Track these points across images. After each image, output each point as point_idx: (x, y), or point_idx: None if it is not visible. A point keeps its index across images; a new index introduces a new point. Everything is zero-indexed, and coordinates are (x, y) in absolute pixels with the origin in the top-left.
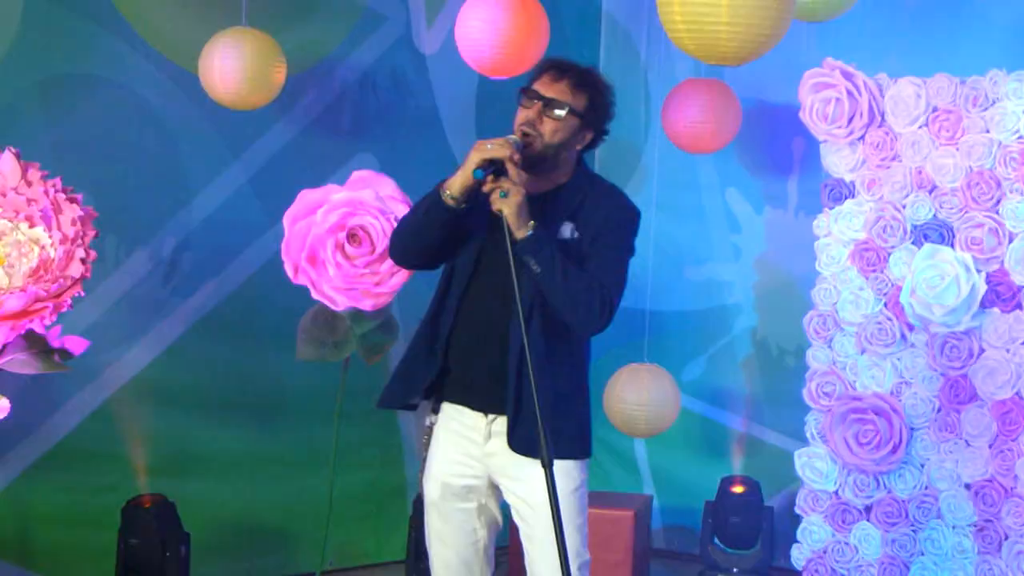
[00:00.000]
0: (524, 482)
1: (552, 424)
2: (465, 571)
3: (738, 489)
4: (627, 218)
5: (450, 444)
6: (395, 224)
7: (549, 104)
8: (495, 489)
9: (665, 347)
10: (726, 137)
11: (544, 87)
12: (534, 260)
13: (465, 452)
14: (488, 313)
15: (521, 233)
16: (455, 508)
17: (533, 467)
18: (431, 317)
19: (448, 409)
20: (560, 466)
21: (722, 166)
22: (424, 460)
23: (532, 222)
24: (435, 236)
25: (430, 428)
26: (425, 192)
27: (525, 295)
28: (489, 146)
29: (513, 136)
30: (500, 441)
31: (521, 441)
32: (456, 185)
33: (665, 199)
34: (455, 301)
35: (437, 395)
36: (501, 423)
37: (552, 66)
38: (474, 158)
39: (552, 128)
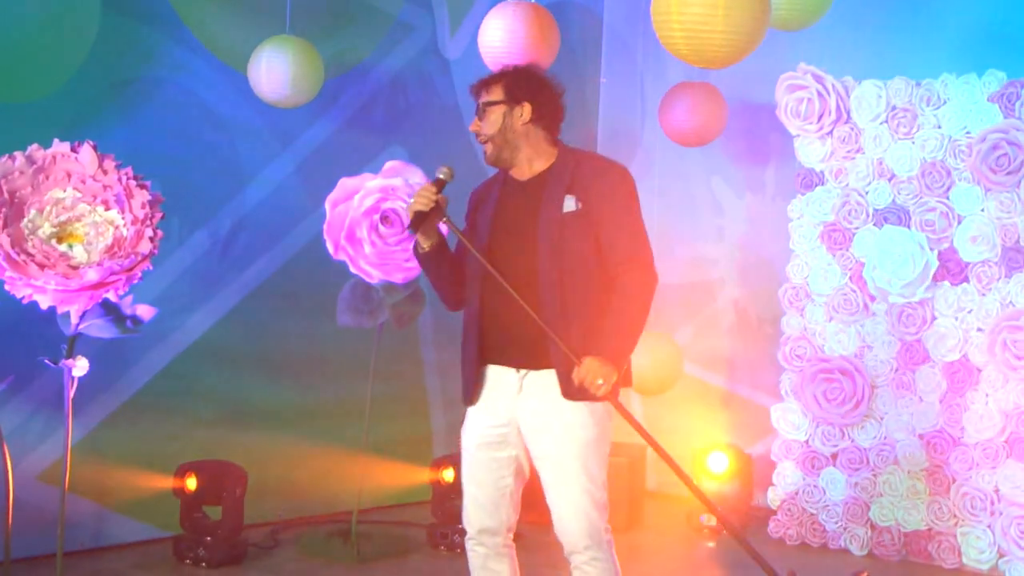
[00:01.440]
0: (546, 429)
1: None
2: (492, 511)
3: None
4: (625, 183)
5: (488, 399)
6: None
7: (477, 110)
8: (520, 452)
9: (659, 315)
10: (715, 133)
11: (476, 96)
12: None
13: (499, 404)
14: (511, 284)
15: (617, 378)
16: (489, 456)
17: (557, 415)
18: (469, 314)
19: (489, 370)
20: (578, 412)
21: (708, 157)
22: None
23: (615, 371)
24: (440, 275)
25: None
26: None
27: (549, 259)
28: (412, 200)
29: (440, 171)
30: (529, 392)
31: (570, 388)
32: (420, 241)
33: (659, 186)
34: (477, 284)
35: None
36: (532, 377)
37: (474, 83)
38: (409, 214)
39: (487, 123)
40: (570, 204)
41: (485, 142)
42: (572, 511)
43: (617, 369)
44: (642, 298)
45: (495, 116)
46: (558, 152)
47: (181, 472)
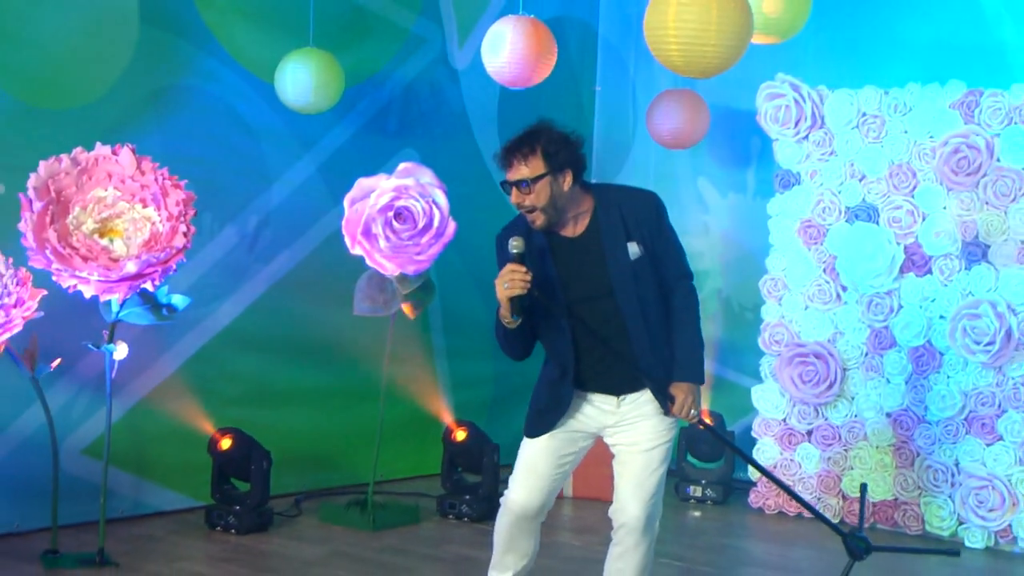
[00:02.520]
0: (637, 429)
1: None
2: (544, 495)
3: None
4: (659, 209)
5: (579, 409)
6: (434, 205)
7: (519, 185)
8: (593, 440)
9: None
10: (699, 136)
11: (510, 174)
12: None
13: (591, 416)
14: (602, 333)
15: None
16: (556, 453)
17: (648, 419)
18: (553, 360)
19: (584, 394)
20: (665, 418)
21: (694, 159)
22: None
23: (699, 391)
24: (524, 335)
25: None
26: (451, 180)
27: (631, 305)
28: (506, 285)
29: (513, 241)
30: (629, 405)
31: (664, 406)
32: (507, 317)
33: (648, 186)
34: (569, 337)
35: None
36: (630, 397)
37: (502, 155)
38: (502, 302)
39: (535, 196)
40: (634, 250)
41: (532, 211)
42: (639, 493)
43: (700, 384)
44: (696, 311)
45: (542, 188)
46: (593, 198)
47: (220, 434)
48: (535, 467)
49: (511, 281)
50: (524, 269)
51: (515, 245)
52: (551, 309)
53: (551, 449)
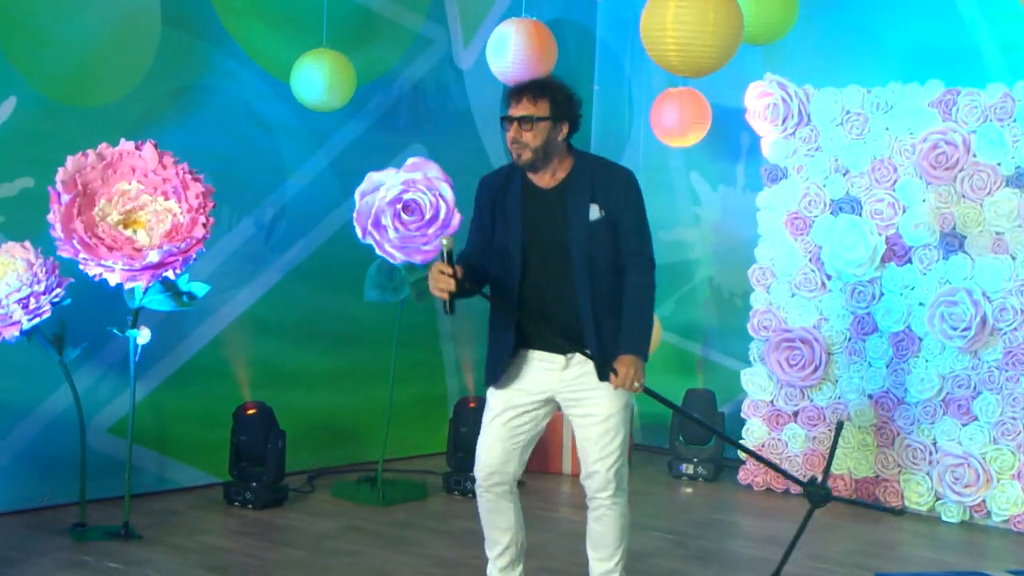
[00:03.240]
0: (590, 398)
1: (613, 355)
2: (504, 463)
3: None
4: (634, 186)
5: (527, 374)
6: (441, 198)
7: (521, 121)
8: (549, 408)
9: None
10: (697, 134)
11: (512, 110)
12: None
13: (541, 380)
14: (551, 282)
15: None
16: (513, 422)
17: (598, 390)
18: (501, 312)
19: (529, 352)
20: (619, 390)
21: (687, 154)
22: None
23: (643, 364)
24: (476, 287)
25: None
26: (457, 174)
27: (581, 263)
28: (431, 277)
29: (442, 241)
30: (575, 370)
31: (606, 370)
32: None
33: (644, 179)
34: (516, 287)
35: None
36: (578, 357)
37: (513, 92)
38: (436, 294)
39: (531, 136)
40: (595, 213)
41: (523, 150)
42: (605, 458)
43: (645, 362)
44: (650, 292)
45: (541, 130)
46: (573, 159)
47: (231, 427)
48: (494, 434)
49: (434, 286)
50: (450, 271)
51: (444, 243)
52: (495, 249)
53: (504, 417)
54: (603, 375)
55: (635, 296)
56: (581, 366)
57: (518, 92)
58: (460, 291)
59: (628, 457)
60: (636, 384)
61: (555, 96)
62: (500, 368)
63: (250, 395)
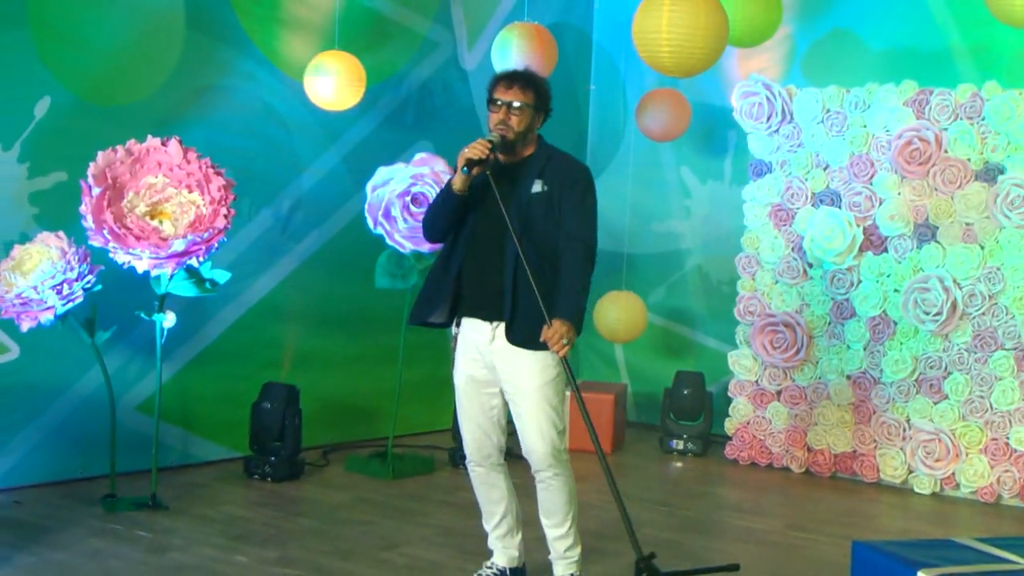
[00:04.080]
0: (515, 371)
1: (538, 323)
2: (484, 437)
3: (686, 383)
4: (585, 176)
5: (468, 347)
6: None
7: (510, 105)
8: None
9: (637, 279)
10: (680, 130)
11: (502, 94)
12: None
13: (477, 351)
14: (488, 250)
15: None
16: (477, 392)
17: (523, 359)
18: (444, 260)
19: (465, 322)
20: (540, 356)
21: (677, 150)
22: (453, 360)
23: (575, 333)
24: (451, 216)
25: (455, 338)
26: None
27: (515, 231)
28: (466, 150)
29: (491, 135)
30: (500, 340)
31: (517, 335)
32: (458, 183)
33: (637, 174)
34: (463, 247)
35: (457, 314)
36: (502, 327)
37: (504, 77)
38: (460, 161)
39: (517, 120)
40: (537, 187)
41: (508, 131)
42: (539, 435)
43: (576, 331)
44: (582, 270)
45: (524, 117)
46: (537, 145)
47: (251, 405)
48: (468, 411)
49: (473, 147)
50: (489, 146)
51: (493, 135)
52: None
53: (469, 392)
54: (512, 339)
55: (568, 273)
56: (504, 340)
57: (509, 79)
58: (484, 164)
59: (564, 428)
60: (564, 342)
61: (539, 88)
62: (428, 311)
63: (269, 376)
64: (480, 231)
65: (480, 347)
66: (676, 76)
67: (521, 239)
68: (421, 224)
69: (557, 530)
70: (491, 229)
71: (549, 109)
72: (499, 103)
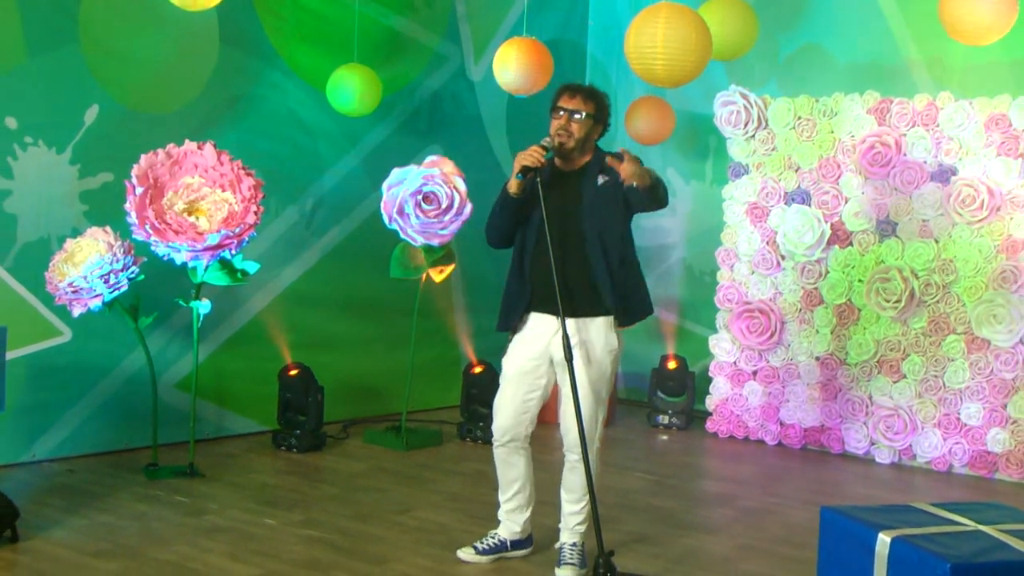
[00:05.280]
0: (579, 362)
1: (627, 306)
2: (516, 423)
3: (672, 364)
4: (627, 154)
5: (530, 339)
6: (455, 190)
7: (572, 113)
8: (552, 370)
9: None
10: (666, 134)
11: (566, 103)
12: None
13: (539, 342)
14: (563, 252)
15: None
16: (525, 381)
17: (582, 360)
18: (518, 266)
19: (532, 317)
20: (602, 355)
21: (664, 153)
22: (507, 349)
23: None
24: (511, 219)
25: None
26: (469, 169)
27: (593, 230)
28: (523, 155)
29: (546, 140)
30: (570, 332)
31: (623, 319)
32: (513, 186)
33: None
34: (530, 249)
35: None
36: (569, 322)
37: (568, 88)
38: (516, 167)
39: (577, 128)
40: (600, 180)
41: (568, 138)
42: (589, 420)
43: (648, 181)
44: (663, 187)
45: (585, 126)
46: (594, 151)
47: (286, 368)
48: (510, 395)
49: (529, 154)
50: (543, 153)
51: (547, 141)
52: (533, 204)
53: (516, 382)
54: (621, 322)
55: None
56: (572, 335)
57: (573, 90)
58: (537, 172)
59: (607, 419)
60: (633, 169)
61: (600, 102)
62: (514, 317)
63: (293, 357)
64: (540, 234)
65: (542, 339)
66: (667, 87)
67: (588, 234)
68: (485, 232)
69: (574, 506)
70: (565, 230)
71: (608, 123)
72: (562, 111)
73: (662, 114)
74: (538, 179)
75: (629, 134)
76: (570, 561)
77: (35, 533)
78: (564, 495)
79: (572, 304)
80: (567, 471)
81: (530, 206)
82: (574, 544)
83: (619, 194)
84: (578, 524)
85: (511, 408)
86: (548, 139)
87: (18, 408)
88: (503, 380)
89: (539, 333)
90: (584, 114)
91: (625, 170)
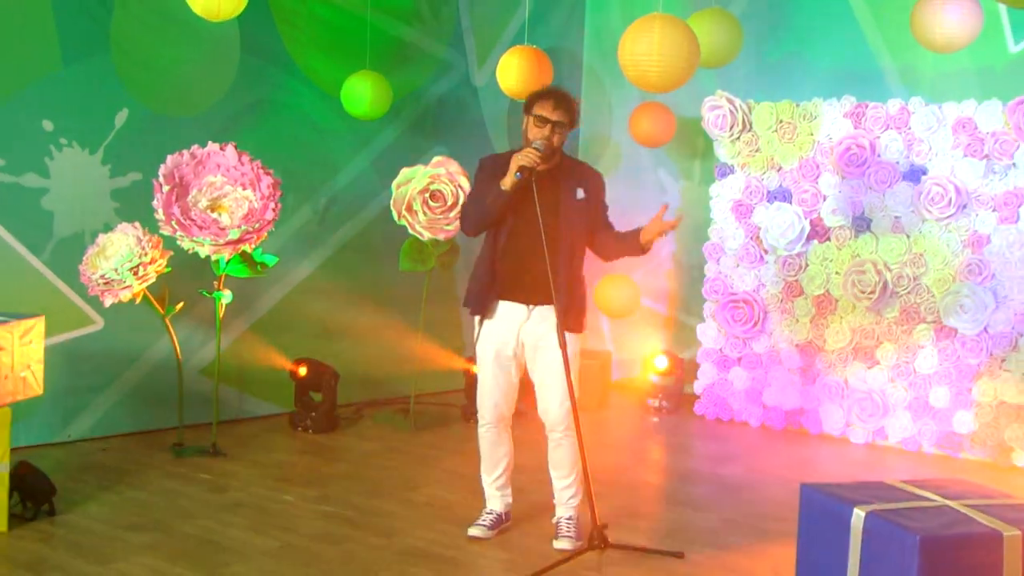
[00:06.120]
0: (547, 347)
1: (574, 308)
2: (504, 404)
3: (662, 351)
4: (602, 183)
5: (503, 325)
6: (460, 188)
7: (555, 125)
8: (523, 356)
9: (624, 263)
10: (667, 138)
11: (549, 113)
12: None
13: (511, 328)
14: (528, 245)
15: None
16: (503, 367)
17: (553, 338)
18: (488, 256)
19: (501, 305)
20: (570, 338)
21: (655, 155)
22: (477, 339)
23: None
24: (498, 213)
25: (481, 321)
26: (472, 169)
27: (566, 234)
28: (520, 157)
29: (537, 143)
30: (535, 321)
31: (570, 320)
32: (508, 183)
33: (622, 175)
34: (504, 243)
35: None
36: (537, 310)
37: (552, 97)
38: (513, 167)
39: (559, 138)
40: (580, 194)
41: (548, 147)
42: (561, 401)
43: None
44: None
45: (563, 133)
46: (561, 155)
47: (296, 364)
48: (494, 379)
49: (526, 156)
50: (538, 155)
51: (538, 144)
52: (514, 208)
53: (496, 364)
54: (568, 325)
55: (623, 233)
56: (540, 321)
57: (557, 100)
58: (531, 170)
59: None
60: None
61: (573, 108)
62: (485, 305)
63: (310, 344)
64: (520, 229)
65: (514, 326)
66: (659, 92)
67: (561, 236)
68: (461, 219)
69: (564, 481)
70: (530, 228)
71: (577, 125)
72: (547, 121)
73: (665, 119)
74: (533, 178)
75: (633, 137)
76: (567, 534)
77: (71, 508)
78: (554, 472)
79: (539, 294)
80: (552, 449)
81: (514, 204)
82: (569, 518)
83: (591, 215)
84: (571, 498)
85: (497, 391)
86: (539, 142)
87: (55, 392)
88: (483, 367)
89: (508, 320)
90: (565, 123)
91: (657, 233)
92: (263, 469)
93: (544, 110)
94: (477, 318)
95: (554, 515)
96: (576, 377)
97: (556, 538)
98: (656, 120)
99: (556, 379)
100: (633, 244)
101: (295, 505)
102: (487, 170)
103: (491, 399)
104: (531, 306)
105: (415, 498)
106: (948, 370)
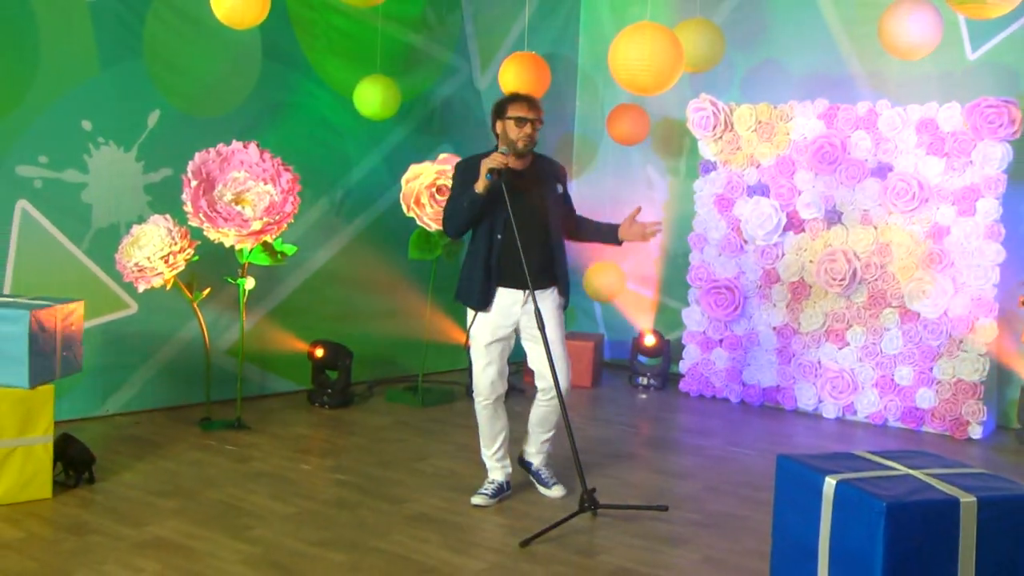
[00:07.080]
0: (547, 325)
1: (564, 289)
2: (500, 381)
3: (650, 333)
4: (565, 173)
5: (500, 312)
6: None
7: (534, 123)
8: (517, 334)
9: (613, 251)
10: (642, 135)
11: (526, 112)
12: None
13: (508, 313)
14: (527, 237)
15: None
16: (499, 346)
17: (550, 322)
18: (482, 253)
19: (500, 293)
20: (561, 314)
21: (643, 152)
22: (470, 325)
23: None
24: (477, 215)
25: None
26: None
27: (554, 222)
28: (488, 160)
29: (503, 148)
30: (531, 305)
31: (565, 299)
32: (481, 186)
33: (613, 171)
34: (499, 238)
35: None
36: (536, 294)
37: (526, 99)
38: (483, 170)
39: (535, 133)
40: (558, 189)
41: (530, 143)
42: (564, 369)
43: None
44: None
45: (538, 131)
46: (533, 152)
47: (313, 346)
48: (491, 361)
49: (494, 160)
50: (505, 160)
51: (503, 151)
52: (493, 206)
53: (492, 346)
54: (567, 305)
55: (592, 221)
56: (539, 302)
57: (530, 101)
58: (501, 172)
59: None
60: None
61: (540, 106)
62: (484, 297)
63: (326, 327)
64: (517, 223)
65: (512, 312)
66: (648, 94)
67: (551, 227)
68: (444, 224)
69: (547, 435)
70: (528, 221)
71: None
72: (526, 120)
73: (640, 119)
74: (501, 180)
75: (611, 136)
76: (556, 481)
77: (108, 476)
78: (538, 428)
79: (538, 280)
80: (542, 408)
81: (492, 203)
82: (547, 465)
83: (566, 206)
84: (547, 444)
85: (493, 366)
86: (504, 148)
87: (93, 370)
88: (479, 348)
89: (506, 304)
90: (540, 120)
91: (636, 236)
92: (283, 441)
93: (521, 111)
94: (471, 309)
95: (522, 456)
96: (564, 330)
97: (548, 487)
98: (630, 121)
99: (563, 349)
100: (610, 236)
101: (312, 474)
102: (460, 176)
103: (487, 378)
104: (528, 291)
105: (423, 468)
106: (912, 351)
